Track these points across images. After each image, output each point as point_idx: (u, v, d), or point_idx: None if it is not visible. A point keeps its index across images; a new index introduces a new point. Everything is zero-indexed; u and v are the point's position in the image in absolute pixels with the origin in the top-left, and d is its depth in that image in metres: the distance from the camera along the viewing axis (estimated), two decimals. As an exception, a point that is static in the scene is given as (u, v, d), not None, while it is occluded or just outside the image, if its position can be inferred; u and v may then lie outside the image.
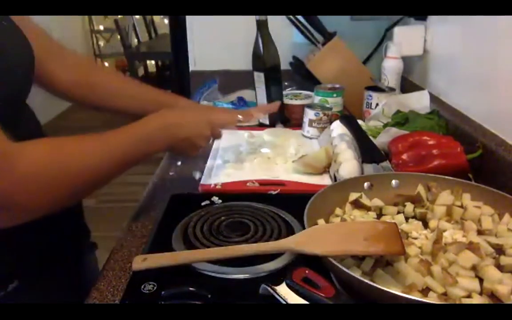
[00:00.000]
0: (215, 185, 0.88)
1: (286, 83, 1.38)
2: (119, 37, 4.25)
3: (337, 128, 1.04)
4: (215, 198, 0.82)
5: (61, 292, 0.74)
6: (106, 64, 6.22)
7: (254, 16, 1.16)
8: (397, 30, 1.32)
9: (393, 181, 0.78)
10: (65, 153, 0.61)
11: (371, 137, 0.96)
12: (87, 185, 0.64)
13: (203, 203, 0.81)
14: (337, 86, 1.24)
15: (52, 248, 0.74)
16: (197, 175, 0.93)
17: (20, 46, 0.68)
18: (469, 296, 0.53)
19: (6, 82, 0.62)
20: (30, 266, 0.71)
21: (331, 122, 1.12)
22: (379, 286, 0.49)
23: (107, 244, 0.96)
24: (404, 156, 0.87)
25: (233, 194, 0.85)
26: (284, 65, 1.31)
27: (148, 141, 0.73)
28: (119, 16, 4.55)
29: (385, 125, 1.04)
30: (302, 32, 1.34)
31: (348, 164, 0.87)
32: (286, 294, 0.52)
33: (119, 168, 0.68)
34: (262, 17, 1.16)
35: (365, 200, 0.73)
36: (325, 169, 0.95)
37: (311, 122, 1.16)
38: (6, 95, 0.62)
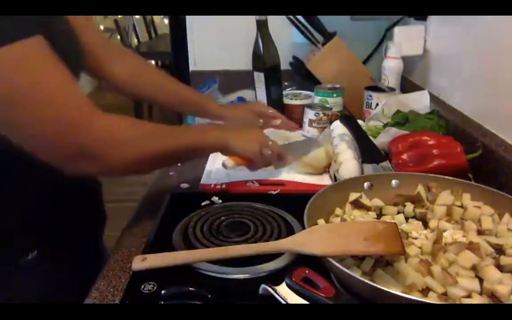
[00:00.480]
0: (215, 185, 0.88)
1: (286, 83, 1.38)
2: (119, 37, 4.25)
3: (337, 128, 1.04)
4: (215, 198, 0.83)
5: (80, 264, 0.80)
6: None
7: (254, 16, 1.16)
8: (397, 30, 1.32)
9: (393, 181, 0.78)
10: (140, 124, 0.71)
11: (371, 137, 0.96)
12: (154, 158, 0.70)
13: (203, 203, 0.81)
14: (337, 86, 1.24)
15: (72, 225, 0.80)
16: (184, 186, 0.91)
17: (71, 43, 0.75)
18: (469, 296, 0.53)
19: None
20: (51, 239, 0.75)
21: (331, 122, 1.12)
22: (379, 286, 0.49)
23: (107, 244, 0.96)
24: (404, 156, 0.87)
25: (233, 194, 0.85)
26: (284, 65, 1.31)
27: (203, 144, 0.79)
28: (119, 16, 4.55)
29: (385, 125, 1.04)
30: (302, 32, 1.34)
31: (348, 164, 0.87)
32: (286, 294, 0.52)
33: (177, 158, 0.80)
34: (262, 17, 1.16)
35: (365, 200, 0.73)
36: (325, 169, 0.95)
37: (311, 122, 1.16)
38: None
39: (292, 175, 0.94)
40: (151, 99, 1.06)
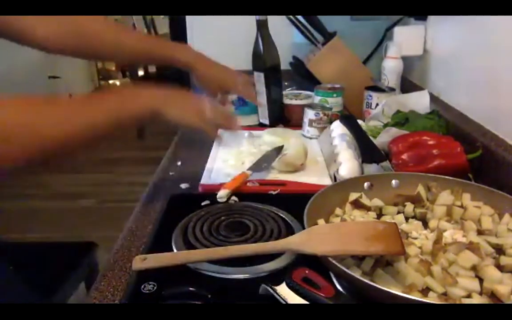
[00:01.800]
0: (215, 185, 0.88)
1: (286, 83, 1.38)
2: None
3: (337, 128, 1.04)
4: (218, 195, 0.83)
5: None
6: (106, 64, 6.23)
7: (254, 16, 1.16)
8: (397, 30, 1.32)
9: (393, 181, 0.78)
10: (36, 106, 0.62)
11: (371, 137, 0.96)
12: (64, 143, 0.62)
13: (203, 203, 0.81)
14: (337, 86, 1.24)
15: None
16: (183, 186, 0.91)
17: None
18: (469, 296, 0.53)
19: None
20: None
21: (331, 122, 1.12)
22: (379, 286, 0.49)
23: (107, 244, 0.96)
24: (404, 156, 0.87)
25: (233, 193, 0.85)
26: (284, 65, 1.31)
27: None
28: (119, 16, 4.55)
29: (385, 125, 1.04)
30: (302, 32, 1.34)
31: (348, 164, 0.87)
32: (286, 294, 0.52)
33: (95, 137, 0.67)
34: (262, 17, 1.16)
35: (365, 200, 0.73)
36: (302, 166, 0.96)
37: (311, 122, 1.16)
38: None
39: (292, 175, 0.94)
40: (100, 57, 1.06)
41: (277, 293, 0.52)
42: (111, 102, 0.68)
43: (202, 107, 0.78)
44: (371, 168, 0.85)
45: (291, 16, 1.33)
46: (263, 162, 0.95)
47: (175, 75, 1.30)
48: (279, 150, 0.96)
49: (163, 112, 0.71)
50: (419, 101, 1.13)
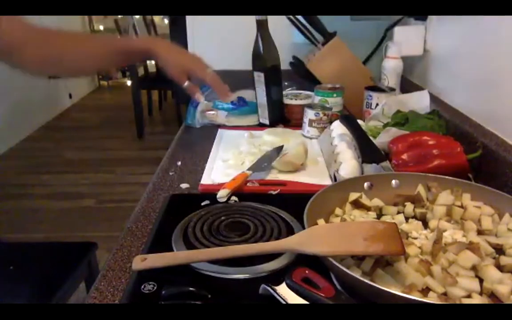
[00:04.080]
0: (215, 185, 0.88)
1: (286, 83, 1.38)
2: (119, 37, 4.25)
3: (337, 128, 1.04)
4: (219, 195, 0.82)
5: None
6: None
7: (254, 16, 1.16)
8: (397, 30, 1.32)
9: (393, 181, 0.78)
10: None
11: (371, 137, 0.96)
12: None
13: (203, 203, 0.81)
14: (337, 86, 1.24)
15: None
16: (183, 186, 0.91)
17: None
18: (469, 296, 0.53)
19: None
20: None
21: (331, 122, 1.12)
22: (379, 286, 0.49)
23: (107, 244, 0.96)
24: (404, 156, 0.87)
25: (233, 193, 0.85)
26: (284, 65, 1.31)
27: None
28: (119, 16, 4.55)
29: (385, 125, 1.04)
30: (302, 32, 1.34)
31: (348, 164, 0.87)
32: (286, 294, 0.52)
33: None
34: (262, 17, 1.16)
35: (365, 200, 0.73)
36: (302, 166, 0.96)
37: (311, 122, 1.16)
38: None
39: (292, 175, 0.94)
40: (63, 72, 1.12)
41: (277, 293, 0.52)
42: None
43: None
44: (371, 168, 0.85)
45: (291, 16, 1.33)
46: (263, 162, 0.95)
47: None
48: (279, 150, 0.96)
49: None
50: (419, 101, 1.13)
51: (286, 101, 1.29)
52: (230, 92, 1.04)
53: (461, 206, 0.71)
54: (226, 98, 1.06)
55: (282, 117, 1.28)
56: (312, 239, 0.58)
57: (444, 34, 1.22)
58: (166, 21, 5.05)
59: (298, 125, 1.21)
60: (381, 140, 0.96)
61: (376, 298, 0.50)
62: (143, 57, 1.00)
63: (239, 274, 0.60)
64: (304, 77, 1.36)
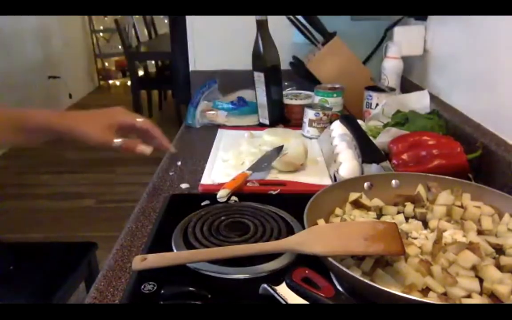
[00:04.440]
0: (215, 185, 0.88)
1: (286, 83, 1.38)
2: (119, 37, 4.25)
3: (337, 128, 1.04)
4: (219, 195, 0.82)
5: None
6: (106, 64, 6.24)
7: (254, 16, 1.16)
8: (397, 30, 1.32)
9: (393, 181, 0.78)
10: None
11: (371, 137, 0.96)
12: None
13: (203, 203, 0.81)
14: (337, 86, 1.24)
15: None
16: (183, 186, 0.91)
17: None
18: (469, 296, 0.53)
19: None
20: None
21: (331, 122, 1.12)
22: (379, 286, 0.49)
23: (107, 244, 0.96)
24: (404, 156, 0.87)
25: (233, 193, 0.85)
26: (284, 65, 1.31)
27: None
28: (119, 16, 4.55)
29: (385, 125, 1.04)
30: (302, 32, 1.34)
31: (348, 164, 0.87)
32: (286, 294, 0.52)
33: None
34: (262, 17, 1.16)
35: (365, 200, 0.73)
36: (302, 166, 0.96)
37: (311, 122, 1.16)
38: None
39: (292, 175, 0.94)
40: None
41: (277, 293, 0.52)
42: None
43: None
44: (371, 168, 0.85)
45: (291, 16, 1.33)
46: (263, 162, 0.95)
47: (174, 77, 1.29)
48: (279, 150, 0.96)
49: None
50: (419, 101, 1.13)
51: (286, 101, 1.29)
52: (172, 147, 0.89)
53: (461, 206, 0.71)
54: (170, 148, 0.88)
55: (282, 117, 1.28)
56: (312, 239, 0.58)
57: (444, 34, 1.22)
58: (166, 21, 5.05)
59: (298, 125, 1.21)
60: (381, 140, 0.96)
61: (376, 298, 0.50)
62: (56, 136, 0.79)
63: (239, 274, 0.60)
64: (304, 77, 1.36)
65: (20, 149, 3.89)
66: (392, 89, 1.25)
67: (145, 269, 0.59)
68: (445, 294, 0.53)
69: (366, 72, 1.33)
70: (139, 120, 0.82)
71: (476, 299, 0.52)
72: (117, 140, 0.78)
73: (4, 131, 0.76)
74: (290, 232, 0.70)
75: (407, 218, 0.71)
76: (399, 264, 0.57)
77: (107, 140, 0.77)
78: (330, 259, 0.53)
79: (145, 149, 0.80)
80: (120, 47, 4.50)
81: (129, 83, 5.17)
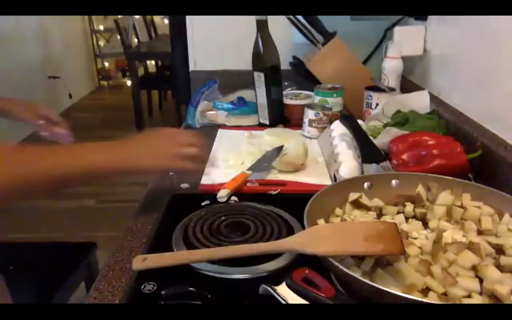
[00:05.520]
0: (215, 184, 0.88)
1: (286, 83, 1.38)
2: (119, 37, 4.25)
3: (337, 128, 1.04)
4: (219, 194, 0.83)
5: None
6: (106, 64, 6.24)
7: (254, 16, 1.16)
8: (397, 30, 1.32)
9: (393, 181, 0.77)
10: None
11: (371, 137, 0.96)
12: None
13: (203, 203, 0.81)
14: (337, 86, 1.24)
15: None
16: (183, 186, 0.91)
17: None
18: (469, 296, 0.53)
19: None
20: None
21: (331, 122, 1.12)
22: (379, 286, 0.49)
23: (107, 244, 0.96)
24: (404, 156, 0.87)
25: (233, 194, 0.85)
26: (284, 65, 1.31)
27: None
28: (119, 16, 4.55)
29: (385, 125, 1.04)
30: (302, 32, 1.34)
31: (348, 164, 0.87)
32: (286, 294, 0.52)
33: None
34: (262, 17, 1.16)
35: (365, 200, 0.73)
36: (302, 166, 0.96)
37: (311, 122, 1.16)
38: None
39: (292, 175, 0.94)
40: None
41: (277, 293, 0.52)
42: (66, 158, 0.66)
43: (175, 144, 0.74)
44: (371, 168, 0.85)
45: (291, 16, 1.33)
46: (263, 162, 0.95)
47: (174, 77, 1.29)
48: (279, 150, 0.96)
49: (133, 165, 0.68)
50: (419, 101, 1.13)
51: (286, 101, 1.29)
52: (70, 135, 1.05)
53: (461, 206, 0.70)
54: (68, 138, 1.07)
55: (282, 117, 1.28)
56: (312, 239, 0.58)
57: (444, 34, 1.22)
58: (166, 21, 5.05)
59: (298, 125, 1.21)
60: (381, 140, 0.96)
61: (376, 298, 0.50)
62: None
63: (239, 274, 0.60)
64: (304, 77, 1.36)
65: (20, 149, 3.88)
66: (392, 89, 1.25)
67: (145, 269, 0.59)
68: (445, 294, 0.53)
69: (366, 72, 1.33)
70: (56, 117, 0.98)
71: (476, 299, 0.52)
72: (40, 122, 1.01)
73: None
74: (290, 232, 0.70)
75: (407, 218, 0.71)
76: (399, 264, 0.57)
77: (32, 119, 0.98)
78: (330, 259, 0.53)
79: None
80: (120, 47, 4.50)
81: (129, 83, 5.17)
